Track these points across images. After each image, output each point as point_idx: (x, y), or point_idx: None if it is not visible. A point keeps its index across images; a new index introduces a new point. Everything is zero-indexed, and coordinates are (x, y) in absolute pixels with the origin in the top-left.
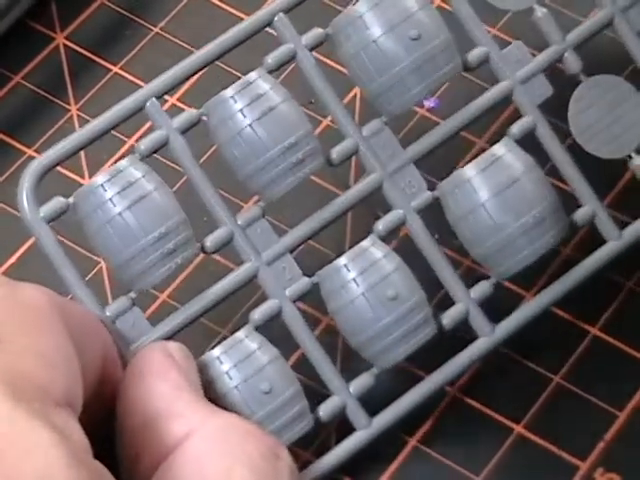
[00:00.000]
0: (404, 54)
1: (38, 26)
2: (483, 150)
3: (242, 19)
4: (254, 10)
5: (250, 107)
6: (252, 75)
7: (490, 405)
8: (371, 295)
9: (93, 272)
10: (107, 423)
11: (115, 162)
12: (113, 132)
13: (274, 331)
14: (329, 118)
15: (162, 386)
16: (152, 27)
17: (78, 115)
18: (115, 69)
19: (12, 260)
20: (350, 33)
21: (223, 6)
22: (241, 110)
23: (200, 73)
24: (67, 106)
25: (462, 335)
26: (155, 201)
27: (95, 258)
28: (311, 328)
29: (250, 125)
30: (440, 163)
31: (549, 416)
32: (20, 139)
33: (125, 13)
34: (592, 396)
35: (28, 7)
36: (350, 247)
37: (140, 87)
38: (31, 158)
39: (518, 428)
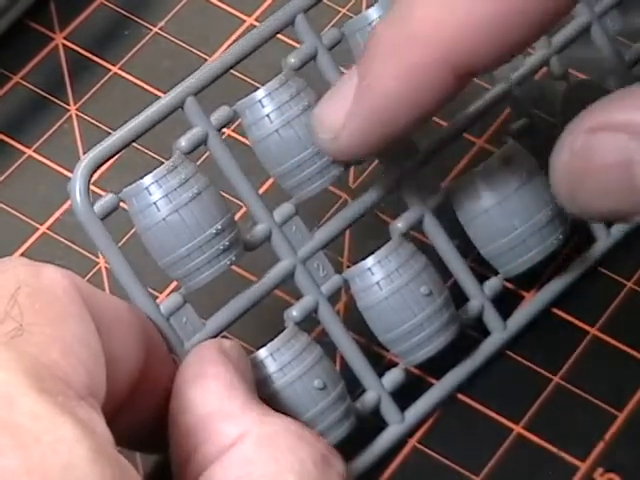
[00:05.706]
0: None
1: (37, 26)
2: (483, 150)
3: (242, 20)
4: (253, 10)
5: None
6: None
7: (490, 405)
8: (405, 292)
9: (93, 272)
10: (155, 419)
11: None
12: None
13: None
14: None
15: (216, 385)
16: (151, 27)
17: (77, 115)
18: (114, 69)
19: None
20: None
21: (223, 6)
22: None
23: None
24: (66, 106)
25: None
26: (210, 198)
27: (95, 258)
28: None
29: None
30: (440, 163)
31: (549, 416)
32: (19, 139)
33: (124, 13)
34: (592, 396)
35: (27, 7)
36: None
37: (140, 87)
38: (30, 158)
39: (518, 428)
